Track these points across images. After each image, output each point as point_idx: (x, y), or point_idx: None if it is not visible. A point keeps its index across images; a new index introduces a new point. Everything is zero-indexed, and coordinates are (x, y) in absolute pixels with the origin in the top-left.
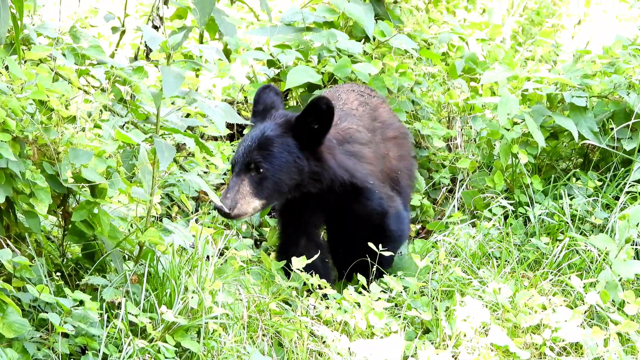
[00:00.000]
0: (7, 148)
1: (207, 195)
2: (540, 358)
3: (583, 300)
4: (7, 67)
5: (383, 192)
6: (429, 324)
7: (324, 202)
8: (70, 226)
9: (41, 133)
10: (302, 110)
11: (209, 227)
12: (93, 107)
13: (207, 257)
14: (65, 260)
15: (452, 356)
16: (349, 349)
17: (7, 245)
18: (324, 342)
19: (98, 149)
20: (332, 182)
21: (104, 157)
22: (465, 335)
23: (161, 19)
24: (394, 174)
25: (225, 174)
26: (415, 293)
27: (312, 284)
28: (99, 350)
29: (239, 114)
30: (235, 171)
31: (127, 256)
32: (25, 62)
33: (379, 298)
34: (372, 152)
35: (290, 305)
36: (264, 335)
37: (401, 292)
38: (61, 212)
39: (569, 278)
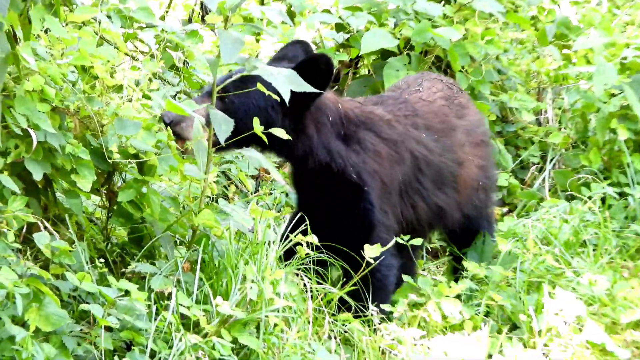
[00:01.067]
0: (45, 119)
1: (269, 174)
2: None
3: None
4: (46, 30)
5: (379, 205)
6: (516, 318)
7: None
8: (115, 207)
9: (84, 103)
10: (299, 62)
11: (270, 209)
12: (141, 75)
13: (268, 242)
14: (109, 245)
15: (543, 354)
16: (427, 346)
17: (45, 227)
18: (397, 340)
19: (147, 120)
20: (305, 159)
21: (153, 130)
22: (557, 332)
23: None
24: (475, 183)
25: None
26: (499, 283)
27: None
28: (146, 346)
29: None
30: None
31: (178, 241)
32: (66, 24)
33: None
34: (390, 153)
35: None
36: (331, 331)
37: (484, 280)
38: (105, 192)
39: None
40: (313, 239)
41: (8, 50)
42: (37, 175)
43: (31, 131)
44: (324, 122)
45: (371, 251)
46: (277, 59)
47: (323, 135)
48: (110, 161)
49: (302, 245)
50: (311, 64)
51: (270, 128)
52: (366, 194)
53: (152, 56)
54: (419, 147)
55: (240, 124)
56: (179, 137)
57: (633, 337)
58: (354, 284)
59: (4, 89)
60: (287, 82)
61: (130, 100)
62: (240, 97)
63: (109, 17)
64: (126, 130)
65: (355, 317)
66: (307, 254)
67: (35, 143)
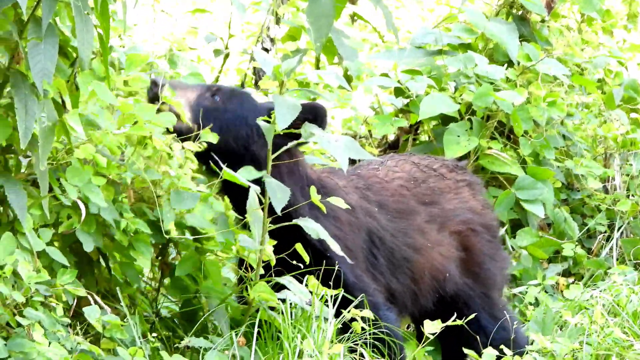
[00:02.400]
0: (98, 192)
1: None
2: None
3: None
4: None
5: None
6: None
7: None
8: (169, 279)
9: (142, 175)
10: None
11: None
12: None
13: (324, 317)
14: (159, 318)
15: None
16: None
17: (96, 301)
18: None
19: (204, 193)
20: None
21: (210, 201)
22: None
23: (272, 40)
24: (438, 274)
25: None
26: (566, 356)
27: None
28: None
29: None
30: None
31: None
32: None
33: None
34: (349, 219)
35: None
36: None
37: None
38: (158, 264)
39: None
40: (369, 314)
41: (55, 119)
42: (88, 247)
43: (80, 203)
44: (294, 170)
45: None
46: None
47: (291, 182)
48: (166, 235)
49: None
50: (310, 112)
51: (245, 145)
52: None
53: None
54: (371, 220)
55: (224, 129)
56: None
57: None
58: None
59: (53, 158)
60: (345, 150)
61: (181, 167)
62: (232, 103)
63: None
64: (183, 204)
65: None
66: (363, 329)
67: (84, 215)
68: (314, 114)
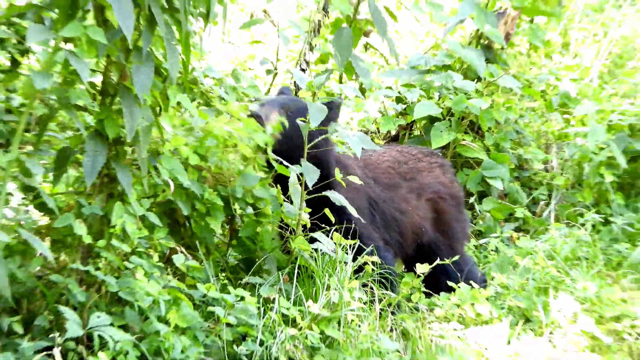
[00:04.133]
0: (184, 173)
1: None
2: (621, 342)
3: None
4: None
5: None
6: (529, 314)
7: None
8: (235, 241)
9: (222, 165)
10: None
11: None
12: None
13: (344, 261)
14: (228, 265)
15: (548, 340)
16: (464, 335)
17: (181, 251)
18: (441, 331)
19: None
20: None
21: (266, 184)
22: (558, 324)
23: (307, 62)
24: (417, 230)
25: None
26: (517, 288)
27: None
28: (257, 337)
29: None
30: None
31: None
32: (194, 100)
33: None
34: (356, 188)
35: (410, 301)
36: (393, 325)
37: (506, 286)
38: (228, 229)
39: None
40: (376, 260)
41: (151, 120)
42: (186, 211)
43: (170, 181)
44: (333, 151)
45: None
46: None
47: (333, 158)
48: (233, 207)
49: (368, 264)
50: (328, 105)
51: (310, 143)
52: (349, 219)
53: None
54: (370, 190)
55: (294, 135)
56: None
57: (615, 327)
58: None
59: (150, 149)
60: (360, 142)
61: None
62: (297, 112)
63: (226, 92)
64: (248, 182)
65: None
66: (373, 270)
67: (172, 189)
68: (330, 106)
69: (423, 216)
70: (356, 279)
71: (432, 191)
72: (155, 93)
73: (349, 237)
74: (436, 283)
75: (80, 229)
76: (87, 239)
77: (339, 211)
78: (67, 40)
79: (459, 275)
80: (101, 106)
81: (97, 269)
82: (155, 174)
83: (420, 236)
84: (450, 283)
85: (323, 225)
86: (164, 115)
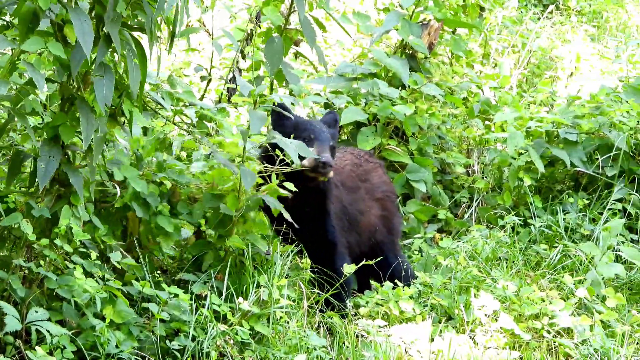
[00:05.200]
0: (143, 184)
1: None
2: (540, 339)
3: (574, 294)
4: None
5: (336, 225)
6: (451, 312)
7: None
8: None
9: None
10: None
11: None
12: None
13: (275, 262)
14: (166, 261)
15: (470, 337)
16: (388, 333)
17: (119, 250)
18: (366, 328)
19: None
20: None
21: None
22: (480, 321)
23: (240, 70)
24: (372, 228)
25: None
26: (439, 287)
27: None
28: (189, 332)
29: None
30: (320, 141)
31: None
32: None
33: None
34: (335, 195)
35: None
36: (320, 322)
37: (429, 285)
38: None
39: (563, 277)
40: (308, 260)
41: (106, 131)
42: (140, 214)
43: (117, 187)
44: None
45: (348, 269)
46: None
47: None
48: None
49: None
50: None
51: None
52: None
53: (193, 126)
54: (340, 194)
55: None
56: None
57: (534, 325)
58: (335, 288)
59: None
60: (296, 149)
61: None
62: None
63: (163, 98)
64: (210, 203)
65: (337, 312)
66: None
67: (119, 194)
68: (332, 117)
69: (376, 215)
70: (285, 277)
71: (380, 191)
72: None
73: (326, 244)
74: (385, 278)
75: (27, 228)
76: (32, 238)
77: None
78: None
79: (402, 269)
80: (59, 112)
81: (39, 266)
82: (108, 180)
83: (374, 234)
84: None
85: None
86: (118, 128)
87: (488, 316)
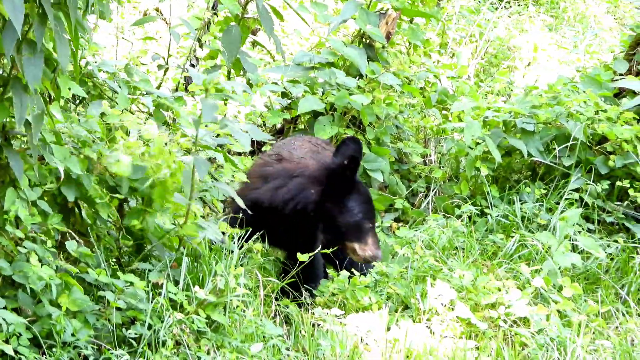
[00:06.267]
0: (74, 162)
1: (234, 200)
2: (496, 329)
3: (530, 284)
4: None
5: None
6: (407, 301)
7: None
8: (125, 228)
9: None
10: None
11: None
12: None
13: (232, 250)
14: (121, 250)
15: (427, 327)
16: (344, 321)
17: (73, 237)
18: (323, 320)
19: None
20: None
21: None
22: (436, 311)
23: (197, 59)
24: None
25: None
26: (396, 276)
27: None
28: (145, 321)
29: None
30: (374, 231)
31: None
32: (89, 93)
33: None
34: None
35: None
36: (276, 311)
37: (385, 274)
38: (119, 214)
39: (520, 266)
40: (261, 246)
41: (42, 108)
42: (70, 198)
43: (61, 169)
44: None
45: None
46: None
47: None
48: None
49: (256, 251)
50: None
51: None
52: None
53: (150, 114)
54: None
55: None
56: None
57: (490, 314)
58: (292, 277)
59: (42, 139)
60: (248, 135)
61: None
62: None
63: (119, 86)
64: (136, 174)
65: (294, 301)
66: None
67: (62, 177)
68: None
69: None
70: (241, 266)
71: None
72: (46, 83)
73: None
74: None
75: None
76: None
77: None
78: None
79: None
80: None
81: None
82: (47, 161)
83: None
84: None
85: None
86: (55, 104)
87: (444, 305)
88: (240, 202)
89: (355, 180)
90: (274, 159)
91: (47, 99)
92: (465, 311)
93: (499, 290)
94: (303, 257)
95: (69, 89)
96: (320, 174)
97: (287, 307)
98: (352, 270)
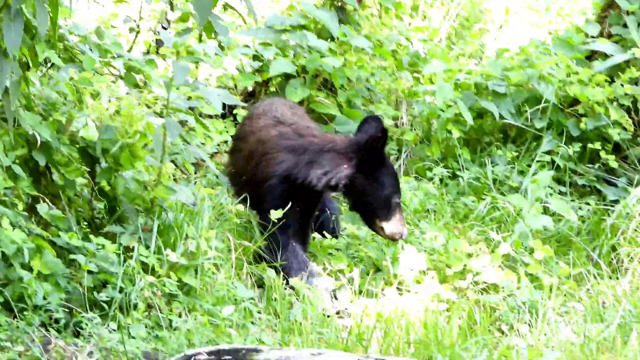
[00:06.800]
0: (46, 128)
1: (204, 161)
2: (467, 299)
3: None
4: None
5: None
6: (379, 264)
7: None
8: (97, 187)
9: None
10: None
11: (205, 187)
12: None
13: (203, 211)
14: (94, 212)
15: (397, 288)
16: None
17: (45, 201)
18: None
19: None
20: None
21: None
22: (406, 274)
23: (168, 21)
24: None
25: (218, 144)
26: (367, 239)
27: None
28: (117, 284)
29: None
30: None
31: (141, 211)
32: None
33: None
34: None
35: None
36: (248, 274)
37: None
38: (90, 176)
39: (491, 229)
40: (238, 207)
41: (20, 74)
42: (42, 163)
43: (37, 135)
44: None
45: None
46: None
47: None
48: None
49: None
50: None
51: None
52: None
53: (121, 77)
54: None
55: None
56: None
57: (459, 284)
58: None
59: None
60: (219, 98)
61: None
62: None
63: (91, 49)
64: (106, 134)
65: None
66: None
67: (39, 143)
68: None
69: None
70: (212, 229)
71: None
72: (24, 50)
73: None
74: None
75: None
76: None
77: None
78: None
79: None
80: None
81: None
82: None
83: None
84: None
85: None
86: (33, 71)
87: (413, 270)
88: (212, 165)
89: (384, 155)
90: (291, 131)
91: (26, 66)
92: (435, 285)
93: (469, 256)
94: (276, 214)
95: (43, 51)
96: (350, 149)
97: (260, 271)
98: (324, 232)
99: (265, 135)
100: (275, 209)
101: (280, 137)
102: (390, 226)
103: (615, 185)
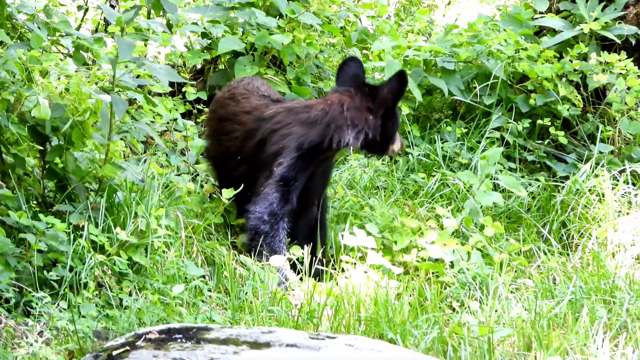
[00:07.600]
0: None
1: (153, 140)
2: (415, 272)
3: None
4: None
5: None
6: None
7: None
8: (47, 166)
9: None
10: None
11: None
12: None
13: (154, 189)
14: (45, 192)
15: (345, 262)
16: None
17: None
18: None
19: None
20: None
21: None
22: (355, 250)
23: None
24: None
25: (168, 122)
26: None
27: None
28: (67, 263)
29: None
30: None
31: (91, 189)
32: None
33: None
34: None
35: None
36: (198, 252)
37: None
38: (40, 154)
39: (441, 206)
40: (190, 186)
41: None
42: None
43: None
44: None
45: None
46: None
47: None
48: (45, 134)
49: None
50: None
51: None
52: None
53: (70, 56)
54: None
55: None
56: None
57: (404, 259)
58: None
59: None
60: (167, 75)
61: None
62: None
63: (39, 28)
64: (56, 113)
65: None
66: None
67: None
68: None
69: None
70: (162, 207)
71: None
72: None
73: None
74: None
75: None
76: None
77: None
78: None
79: None
80: None
81: None
82: None
83: None
84: None
85: None
86: None
87: (362, 247)
88: (160, 142)
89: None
90: (297, 105)
91: None
92: (379, 258)
93: (415, 232)
94: (227, 193)
95: None
96: (366, 100)
97: (210, 249)
98: None
99: (267, 114)
100: (292, 181)
101: (290, 113)
102: (397, 144)
103: (565, 161)
